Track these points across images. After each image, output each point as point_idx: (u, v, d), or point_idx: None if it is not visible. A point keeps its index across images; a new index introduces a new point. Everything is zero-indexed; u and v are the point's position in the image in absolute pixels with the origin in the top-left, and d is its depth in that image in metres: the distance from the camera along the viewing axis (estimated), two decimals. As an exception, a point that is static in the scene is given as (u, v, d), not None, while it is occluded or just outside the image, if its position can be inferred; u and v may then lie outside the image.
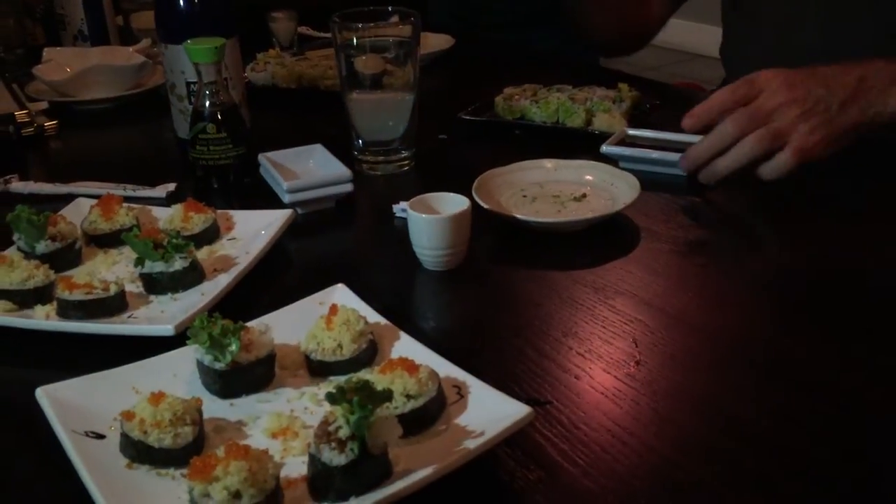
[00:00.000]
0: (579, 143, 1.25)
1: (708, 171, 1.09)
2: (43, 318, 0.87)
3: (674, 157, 1.14)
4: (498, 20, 2.12)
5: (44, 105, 1.50)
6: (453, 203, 0.97)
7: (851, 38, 1.27)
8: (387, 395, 0.63)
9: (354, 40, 1.18)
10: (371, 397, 0.62)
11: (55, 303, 0.88)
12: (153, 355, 0.79)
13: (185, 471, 0.64)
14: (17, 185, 1.22)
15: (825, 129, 1.04)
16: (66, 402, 0.71)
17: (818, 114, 1.04)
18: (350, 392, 0.61)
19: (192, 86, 1.25)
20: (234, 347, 0.73)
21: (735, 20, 1.47)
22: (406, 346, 0.78)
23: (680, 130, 1.21)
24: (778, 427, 0.72)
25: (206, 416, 0.71)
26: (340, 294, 0.85)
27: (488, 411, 0.69)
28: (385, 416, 0.63)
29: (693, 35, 4.42)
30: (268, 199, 1.13)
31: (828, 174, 1.12)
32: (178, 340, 0.81)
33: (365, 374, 0.74)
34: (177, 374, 0.77)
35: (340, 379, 0.75)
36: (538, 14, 2.09)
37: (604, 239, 1.02)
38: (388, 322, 0.81)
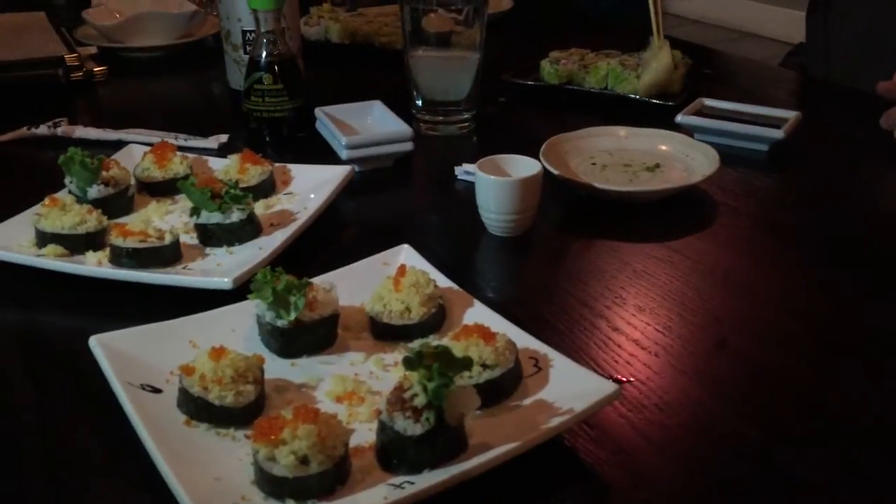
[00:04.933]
0: (628, 110, 1.20)
1: None
2: (95, 265, 0.83)
3: (753, 129, 1.08)
4: None
5: (93, 50, 1.47)
6: (523, 166, 0.92)
7: None
8: (467, 363, 0.59)
9: (421, -7, 1.13)
10: (451, 365, 0.57)
11: (107, 250, 0.84)
12: (206, 309, 0.75)
13: (246, 431, 0.61)
14: (66, 129, 1.18)
15: None
16: (121, 353, 0.68)
17: None
18: (429, 358, 0.57)
19: (248, 34, 1.21)
20: (299, 304, 0.69)
21: None
22: (478, 313, 0.73)
23: (756, 102, 1.15)
24: (878, 420, 0.67)
25: (266, 375, 0.67)
26: (406, 255, 0.81)
27: (569, 386, 0.64)
28: (464, 385, 0.59)
29: (743, 13, 4.30)
30: (322, 155, 1.09)
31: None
32: (233, 295, 0.77)
33: (434, 341, 0.70)
34: (235, 330, 0.73)
35: (406, 344, 0.72)
36: None
37: (678, 212, 0.97)
38: (458, 287, 0.77)
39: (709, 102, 1.15)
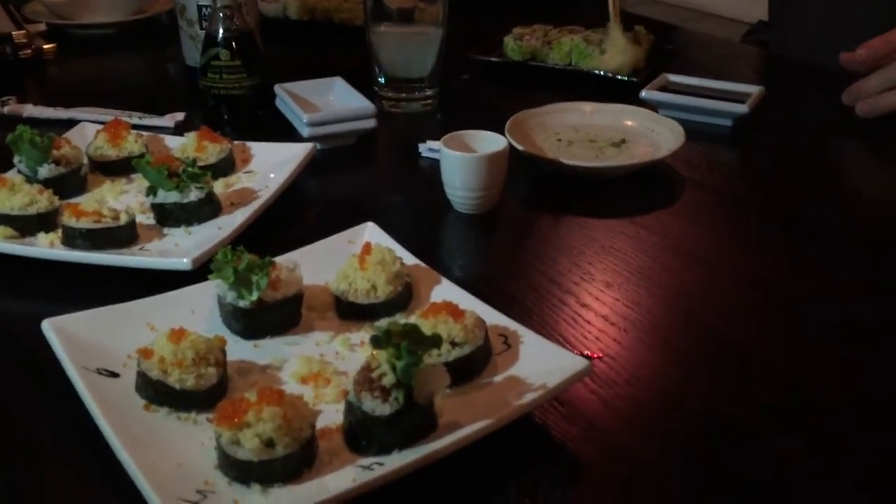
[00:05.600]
0: (592, 86, 1.19)
1: (869, 104, 1.06)
2: (47, 247, 0.80)
3: (717, 105, 1.08)
4: None
5: (42, 27, 1.42)
6: (488, 142, 0.90)
7: None
8: (436, 341, 0.58)
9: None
10: (420, 342, 0.56)
11: (60, 231, 0.81)
12: (165, 291, 0.73)
13: (208, 415, 0.59)
14: (14, 108, 1.14)
15: None
16: (76, 336, 0.65)
17: None
18: (397, 336, 0.55)
19: (204, 9, 1.17)
20: (261, 284, 0.67)
21: None
22: (446, 291, 0.72)
23: (719, 77, 1.15)
24: (845, 388, 0.67)
25: (228, 357, 0.65)
26: (372, 232, 0.79)
27: (539, 363, 0.63)
28: (433, 363, 0.58)
29: (704, -7, 4.33)
30: (283, 133, 1.06)
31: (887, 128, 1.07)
32: (193, 276, 0.75)
33: (401, 319, 0.69)
34: (195, 311, 0.70)
35: (373, 323, 0.70)
36: None
37: (645, 187, 0.96)
38: (424, 264, 0.75)
39: (673, 78, 1.15)
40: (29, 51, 1.32)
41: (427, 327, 0.62)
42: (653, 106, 1.10)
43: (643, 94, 1.10)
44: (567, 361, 0.62)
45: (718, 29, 3.70)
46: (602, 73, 1.21)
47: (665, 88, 1.13)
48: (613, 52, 1.21)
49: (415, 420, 0.57)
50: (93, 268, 0.78)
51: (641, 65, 1.22)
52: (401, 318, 0.70)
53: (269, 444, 0.54)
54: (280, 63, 1.27)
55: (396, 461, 0.55)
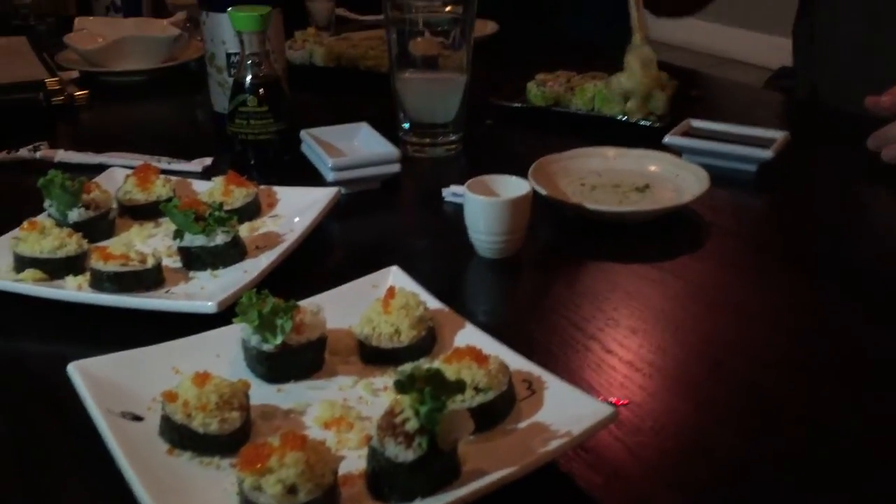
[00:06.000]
0: (615, 132, 1.19)
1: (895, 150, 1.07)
2: (75, 290, 0.81)
3: (742, 150, 1.08)
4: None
5: (74, 74, 1.45)
6: (512, 186, 0.91)
7: None
8: (460, 386, 0.57)
9: (408, 16, 1.12)
10: (444, 388, 0.56)
11: (88, 274, 0.82)
12: (190, 334, 0.73)
13: (232, 459, 0.59)
14: (47, 153, 1.16)
15: None
16: (101, 380, 0.65)
17: None
18: (421, 381, 0.55)
19: (233, 57, 1.20)
20: (286, 328, 0.67)
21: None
22: (470, 336, 0.71)
23: (742, 122, 1.15)
24: (878, 436, 0.66)
25: (252, 401, 0.65)
26: (395, 276, 0.79)
27: (564, 410, 0.62)
28: (457, 409, 0.57)
29: (724, 39, 4.35)
30: (308, 177, 1.07)
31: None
32: (218, 319, 0.75)
33: (424, 364, 0.69)
34: (220, 355, 0.71)
35: (396, 368, 0.70)
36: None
37: (669, 232, 0.96)
38: (448, 308, 0.75)
39: (696, 123, 1.15)
40: (62, 97, 1.35)
41: (451, 372, 0.62)
42: (676, 151, 1.10)
43: (667, 139, 1.11)
44: (592, 408, 0.61)
45: (741, 75, 3.72)
46: (625, 119, 1.22)
47: (688, 133, 1.13)
48: (628, 74, 1.21)
49: (438, 467, 0.56)
50: (119, 311, 0.79)
51: (664, 108, 1.22)
52: (424, 363, 0.69)
53: (291, 490, 0.53)
54: (306, 109, 1.29)
55: (420, 509, 0.54)
